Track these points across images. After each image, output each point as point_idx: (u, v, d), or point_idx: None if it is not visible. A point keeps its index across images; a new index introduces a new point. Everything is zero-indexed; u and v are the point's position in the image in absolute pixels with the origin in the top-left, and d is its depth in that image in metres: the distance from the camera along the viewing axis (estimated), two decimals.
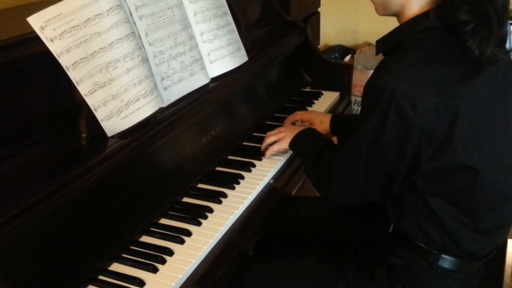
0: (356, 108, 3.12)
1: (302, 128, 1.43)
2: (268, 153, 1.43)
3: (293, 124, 1.60)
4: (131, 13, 1.20)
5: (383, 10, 1.12)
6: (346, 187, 1.12)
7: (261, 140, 1.50)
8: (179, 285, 1.03)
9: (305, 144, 1.35)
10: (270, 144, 1.44)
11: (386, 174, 1.04)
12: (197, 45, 1.41)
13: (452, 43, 0.99)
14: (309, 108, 1.82)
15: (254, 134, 1.61)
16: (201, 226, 1.18)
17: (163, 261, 1.06)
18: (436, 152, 0.98)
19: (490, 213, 1.07)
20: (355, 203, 1.17)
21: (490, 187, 1.03)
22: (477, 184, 1.02)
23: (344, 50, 3.41)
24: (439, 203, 1.04)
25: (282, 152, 1.47)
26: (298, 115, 1.61)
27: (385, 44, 1.11)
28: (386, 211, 1.15)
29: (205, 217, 1.20)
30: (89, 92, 1.08)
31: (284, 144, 1.40)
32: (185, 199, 1.29)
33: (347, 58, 3.31)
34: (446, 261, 1.09)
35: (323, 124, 1.53)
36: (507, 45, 1.06)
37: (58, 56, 1.03)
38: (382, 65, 1.03)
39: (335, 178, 1.13)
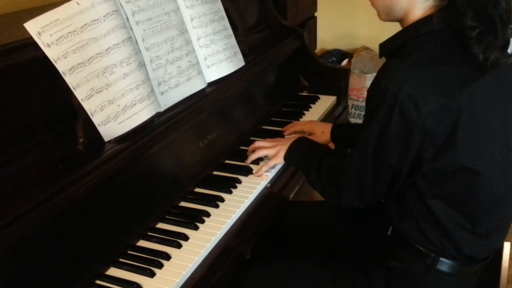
0: (353, 112, 3.13)
1: (293, 139, 1.40)
2: (264, 168, 1.40)
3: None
4: (127, 19, 1.20)
5: (386, 16, 1.12)
6: (357, 188, 1.11)
7: None
8: None
9: (302, 155, 1.34)
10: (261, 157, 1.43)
11: (390, 174, 1.04)
12: (194, 50, 1.41)
13: (455, 46, 0.99)
14: (306, 112, 1.82)
15: (251, 138, 1.60)
16: (198, 230, 1.18)
17: (160, 266, 1.06)
18: (438, 152, 0.99)
19: (488, 215, 1.07)
20: (365, 204, 1.16)
21: (489, 189, 1.04)
22: (477, 186, 1.03)
23: (341, 54, 3.41)
24: (439, 205, 1.05)
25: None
26: (299, 126, 1.59)
27: (388, 47, 1.11)
28: (384, 214, 1.15)
29: (202, 221, 1.20)
30: (86, 97, 1.08)
31: (280, 159, 1.39)
32: (182, 203, 1.29)
33: (344, 62, 3.31)
34: (444, 264, 1.10)
35: (324, 134, 1.51)
36: (510, 49, 1.06)
37: (55, 62, 1.04)
38: (385, 67, 1.03)
39: (345, 181, 1.12)
